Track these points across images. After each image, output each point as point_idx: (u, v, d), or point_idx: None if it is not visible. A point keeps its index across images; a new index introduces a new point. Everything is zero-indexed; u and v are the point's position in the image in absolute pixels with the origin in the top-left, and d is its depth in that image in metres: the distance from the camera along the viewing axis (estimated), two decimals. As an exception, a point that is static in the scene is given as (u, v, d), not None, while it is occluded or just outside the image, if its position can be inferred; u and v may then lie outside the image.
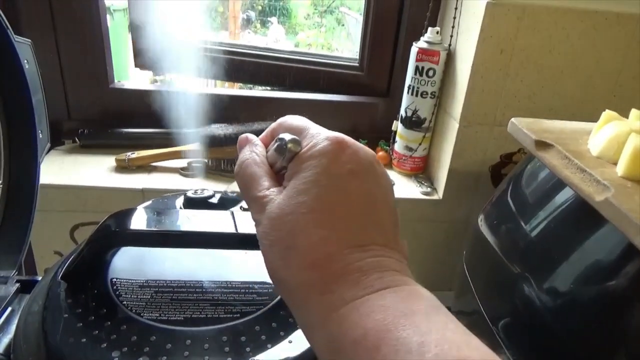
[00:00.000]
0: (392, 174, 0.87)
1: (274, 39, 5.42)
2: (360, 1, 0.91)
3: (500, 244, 0.58)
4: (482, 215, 0.62)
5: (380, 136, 0.92)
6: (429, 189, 0.82)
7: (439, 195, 0.82)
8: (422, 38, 0.79)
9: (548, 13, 0.69)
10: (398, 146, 0.86)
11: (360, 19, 0.94)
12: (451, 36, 0.78)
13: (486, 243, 0.57)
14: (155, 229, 0.47)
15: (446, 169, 0.79)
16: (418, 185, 0.84)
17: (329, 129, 0.88)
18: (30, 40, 0.54)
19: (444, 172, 0.80)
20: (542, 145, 0.47)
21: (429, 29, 0.78)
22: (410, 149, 0.85)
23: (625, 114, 0.55)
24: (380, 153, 0.90)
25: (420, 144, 0.84)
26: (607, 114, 0.47)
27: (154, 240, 0.47)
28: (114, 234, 0.46)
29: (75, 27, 0.82)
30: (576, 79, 0.72)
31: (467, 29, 0.73)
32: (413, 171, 0.87)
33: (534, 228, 0.54)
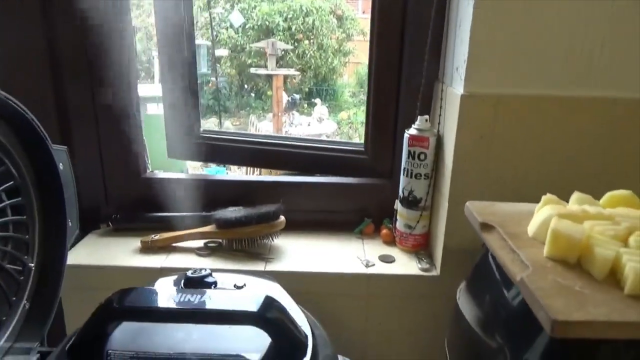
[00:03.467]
0: (395, 251, 0.92)
1: (318, 118, 5.64)
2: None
3: (482, 315, 0.60)
4: (462, 286, 0.65)
5: (386, 215, 0.98)
6: (427, 265, 0.86)
7: (437, 271, 0.85)
8: (413, 125, 0.86)
9: (522, 101, 0.74)
10: (399, 224, 0.91)
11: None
12: (439, 123, 0.85)
13: (463, 318, 0.60)
14: (151, 306, 0.54)
15: (442, 245, 0.83)
16: (418, 262, 0.87)
17: (339, 208, 0.97)
18: (65, 147, 0.67)
19: (440, 248, 0.84)
20: (486, 227, 0.51)
21: (419, 117, 0.86)
22: (409, 227, 0.89)
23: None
24: (384, 231, 0.95)
25: (418, 222, 0.88)
26: (546, 197, 0.51)
27: (150, 316, 0.55)
28: (114, 309, 0.53)
29: (113, 128, 0.96)
30: (558, 161, 0.76)
31: (450, 116, 0.80)
32: (414, 248, 0.91)
33: (517, 295, 0.56)
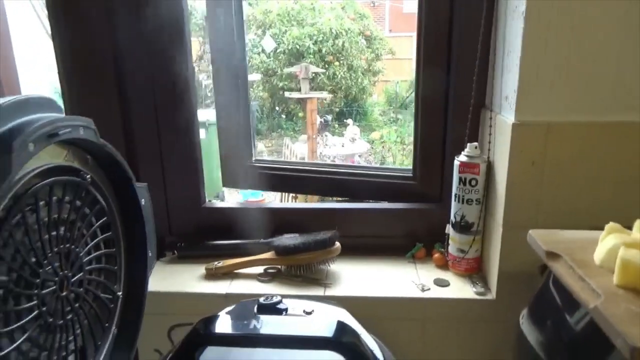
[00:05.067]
0: (448, 275, 0.94)
1: (350, 139, 5.69)
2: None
3: (544, 340, 0.62)
4: (525, 311, 0.67)
5: (436, 239, 1.00)
6: (482, 290, 0.88)
7: (492, 295, 0.87)
8: (462, 152, 0.89)
9: (573, 128, 0.77)
10: (451, 248, 0.94)
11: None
12: (489, 150, 0.88)
13: (527, 343, 0.62)
14: (235, 332, 0.59)
15: (496, 270, 0.85)
16: (472, 285, 0.89)
17: (390, 233, 1.00)
18: (146, 184, 0.73)
19: (495, 272, 0.86)
20: (552, 255, 0.53)
21: (468, 144, 0.89)
22: (462, 251, 0.92)
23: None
24: (437, 255, 0.98)
25: (471, 247, 0.91)
26: (609, 226, 0.53)
27: (234, 341, 0.59)
28: (202, 336, 0.58)
29: (177, 164, 1.03)
30: (610, 186, 0.77)
31: (500, 143, 0.83)
32: (467, 272, 0.93)
33: (579, 321, 0.57)
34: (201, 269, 0.96)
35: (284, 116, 6.84)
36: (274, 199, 4.08)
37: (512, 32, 0.78)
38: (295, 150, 3.88)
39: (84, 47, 0.95)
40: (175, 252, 1.02)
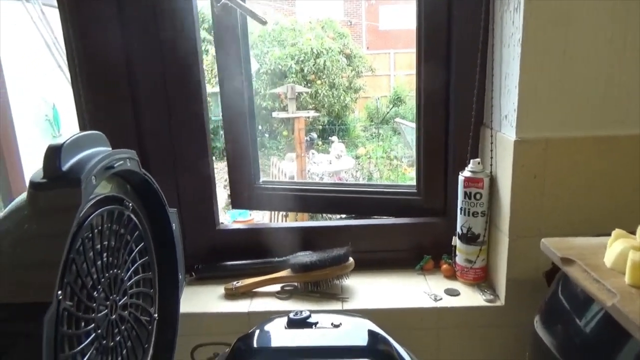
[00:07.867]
0: (457, 284, 0.99)
1: (336, 155, 5.73)
2: (413, 110, 1.09)
3: (557, 342, 0.67)
4: (538, 316, 0.72)
5: (443, 251, 1.05)
6: (491, 297, 0.93)
7: (501, 302, 0.92)
8: (466, 168, 0.95)
9: (568, 142, 0.83)
10: (459, 259, 0.99)
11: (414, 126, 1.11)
12: (491, 165, 0.94)
13: (542, 344, 0.67)
14: (276, 346, 0.63)
15: (504, 277, 0.90)
16: (481, 293, 0.94)
17: (397, 248, 1.05)
18: (175, 209, 0.76)
19: (502, 280, 0.91)
20: (567, 261, 0.59)
21: (471, 160, 0.95)
22: (470, 261, 0.97)
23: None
24: (445, 266, 1.03)
25: (478, 256, 0.96)
26: (616, 232, 0.59)
27: (276, 355, 0.63)
28: (245, 352, 0.61)
29: (191, 187, 1.06)
30: (604, 194, 0.84)
31: (502, 159, 0.89)
32: (476, 281, 0.98)
33: (588, 323, 0.62)
34: (220, 290, 0.99)
35: (267, 135, 6.91)
36: (262, 218, 4.11)
37: (509, 57, 0.85)
38: (284, 169, 3.92)
39: (100, 71, 0.98)
40: (193, 274, 1.05)
